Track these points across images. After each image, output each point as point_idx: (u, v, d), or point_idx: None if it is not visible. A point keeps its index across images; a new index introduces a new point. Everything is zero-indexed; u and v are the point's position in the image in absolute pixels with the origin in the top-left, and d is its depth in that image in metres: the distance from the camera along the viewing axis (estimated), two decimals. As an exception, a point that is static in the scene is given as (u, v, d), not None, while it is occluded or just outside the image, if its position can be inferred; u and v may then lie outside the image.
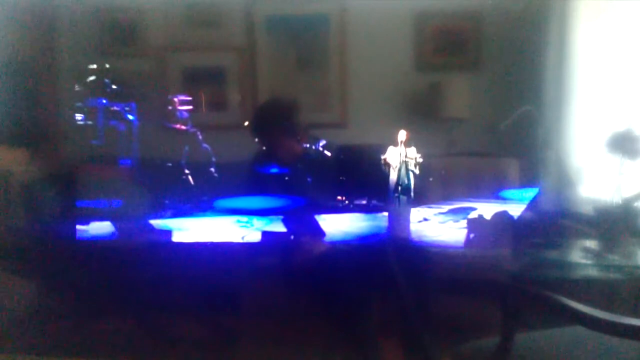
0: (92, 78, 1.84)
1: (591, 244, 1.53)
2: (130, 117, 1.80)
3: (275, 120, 1.99)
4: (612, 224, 1.54)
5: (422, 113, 2.29)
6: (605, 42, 1.99)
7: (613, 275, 1.46)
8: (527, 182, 2.06)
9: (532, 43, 2.12)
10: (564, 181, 1.96)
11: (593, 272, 1.47)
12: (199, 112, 2.07)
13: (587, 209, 1.66)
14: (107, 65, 1.89)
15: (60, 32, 2.32)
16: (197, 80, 2.37)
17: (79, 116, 1.80)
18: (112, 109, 1.80)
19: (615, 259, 1.48)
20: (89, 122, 1.80)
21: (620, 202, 1.60)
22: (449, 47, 2.33)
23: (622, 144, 1.66)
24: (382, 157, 1.47)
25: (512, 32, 2.15)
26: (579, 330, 1.28)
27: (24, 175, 1.89)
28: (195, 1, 2.37)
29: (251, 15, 2.37)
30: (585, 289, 1.39)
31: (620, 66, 1.96)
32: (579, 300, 1.20)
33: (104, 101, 1.79)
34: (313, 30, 2.35)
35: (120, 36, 2.37)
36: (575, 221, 1.67)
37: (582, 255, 1.50)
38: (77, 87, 1.86)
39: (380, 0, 2.26)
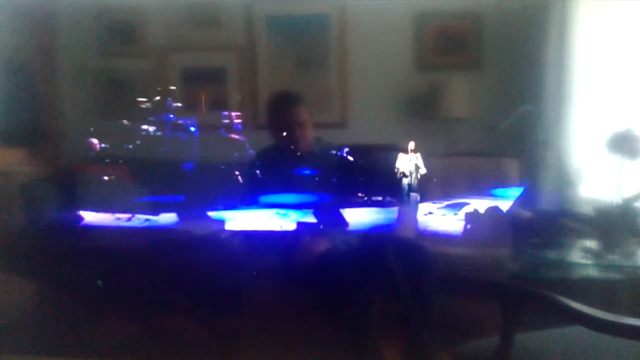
0: (157, 98, 2.19)
1: (591, 244, 1.53)
2: (192, 128, 2.18)
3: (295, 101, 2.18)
4: (612, 224, 1.54)
5: (422, 113, 2.29)
6: (605, 42, 1.99)
7: (613, 275, 1.46)
8: (526, 181, 2.07)
9: (532, 43, 2.12)
10: (564, 181, 1.96)
11: (593, 272, 1.47)
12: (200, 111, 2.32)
13: (587, 209, 1.66)
14: (173, 87, 2.29)
15: (59, 32, 2.33)
16: (196, 80, 2.37)
17: (151, 128, 2.18)
18: (177, 122, 2.18)
19: (615, 259, 1.48)
20: (158, 133, 2.19)
21: (620, 202, 1.60)
22: (449, 47, 2.33)
23: (622, 144, 1.66)
24: (396, 166, 1.85)
25: (512, 32, 2.15)
26: (579, 330, 1.28)
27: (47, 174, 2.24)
28: (195, 1, 2.37)
29: (251, 15, 2.37)
30: (585, 289, 1.39)
31: (620, 66, 1.96)
32: (579, 300, 1.20)
33: (171, 116, 2.18)
34: (313, 30, 2.35)
35: (120, 36, 2.38)
36: (575, 221, 1.67)
37: (582, 255, 1.51)
38: (147, 105, 2.19)
39: (380, 0, 2.26)
